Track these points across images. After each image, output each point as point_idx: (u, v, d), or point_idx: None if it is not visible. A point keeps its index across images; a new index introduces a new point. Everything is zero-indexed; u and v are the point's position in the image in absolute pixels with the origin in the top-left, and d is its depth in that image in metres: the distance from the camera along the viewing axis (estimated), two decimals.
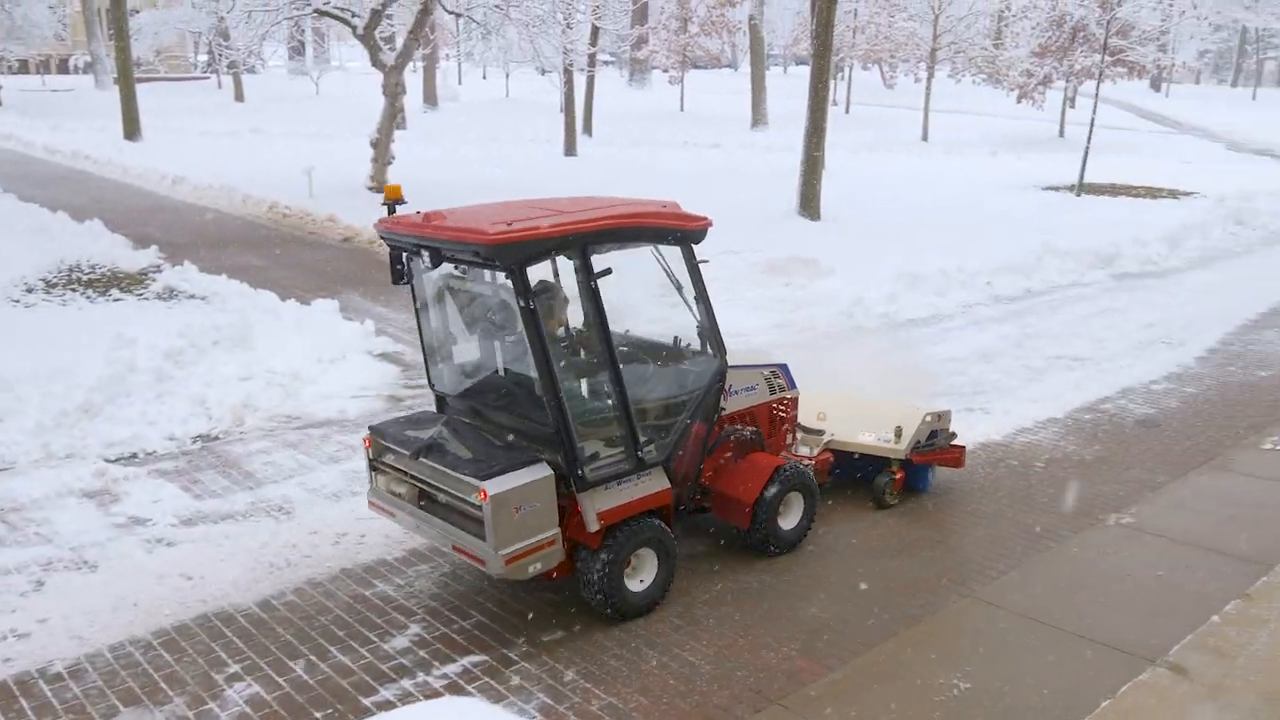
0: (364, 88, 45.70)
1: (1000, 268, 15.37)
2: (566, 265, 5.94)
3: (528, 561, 5.64)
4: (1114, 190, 26.48)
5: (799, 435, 7.64)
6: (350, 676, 5.44)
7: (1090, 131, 26.04)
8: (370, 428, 6.44)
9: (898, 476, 7.67)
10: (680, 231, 6.28)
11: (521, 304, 5.52)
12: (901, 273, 14.26)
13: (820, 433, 7.82)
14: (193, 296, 13.00)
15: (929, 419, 7.73)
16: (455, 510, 5.88)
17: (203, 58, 61.46)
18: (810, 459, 7.52)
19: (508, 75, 56.89)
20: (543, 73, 34.97)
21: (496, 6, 20.65)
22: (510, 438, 6.04)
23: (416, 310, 6.53)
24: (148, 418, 8.86)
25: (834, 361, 11.19)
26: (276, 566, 6.61)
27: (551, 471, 5.72)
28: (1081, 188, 25.52)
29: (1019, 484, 8.11)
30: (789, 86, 48.82)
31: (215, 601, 6.17)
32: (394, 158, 22.45)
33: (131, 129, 31.46)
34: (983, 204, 22.70)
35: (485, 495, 5.45)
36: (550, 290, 6.07)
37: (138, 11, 47.82)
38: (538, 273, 5.77)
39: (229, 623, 5.95)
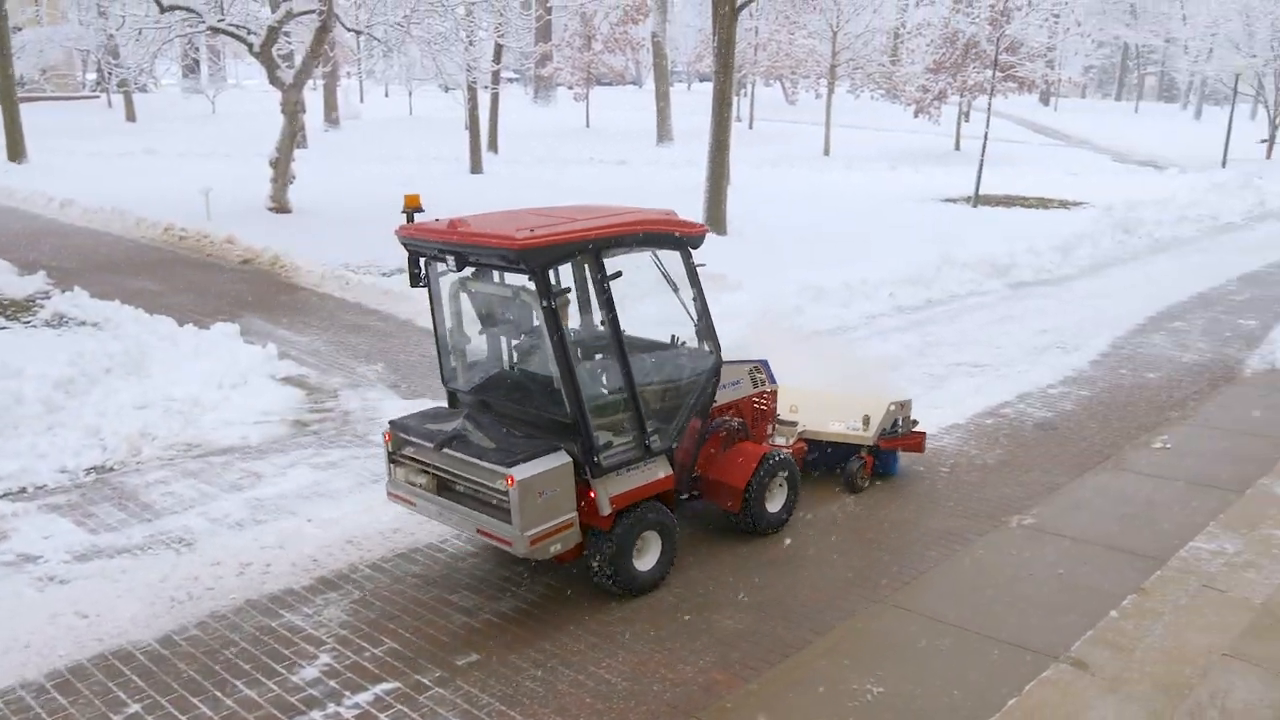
0: (262, 106, 44.70)
1: (902, 279, 15.72)
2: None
3: (550, 542, 6.07)
4: (1008, 201, 27.36)
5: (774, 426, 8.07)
6: (257, 710, 5.28)
7: (984, 145, 26.88)
8: (391, 422, 6.75)
9: (867, 461, 8.26)
10: (681, 237, 6.80)
11: (544, 304, 5.95)
12: (806, 285, 14.48)
13: (794, 424, 8.28)
14: (84, 323, 12.52)
15: (893, 408, 8.37)
16: (478, 497, 6.26)
17: (91, 76, 59.41)
18: (786, 448, 7.93)
19: (410, 93, 56.37)
20: (446, 90, 34.72)
21: (397, 25, 20.47)
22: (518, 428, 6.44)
23: (433, 312, 6.85)
24: (37, 450, 8.49)
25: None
26: (177, 600, 6.38)
27: (570, 459, 6.15)
28: (977, 199, 26.31)
29: (925, 489, 8.28)
30: (693, 102, 49.34)
31: (112, 640, 5.92)
32: (295, 177, 22.02)
33: (16, 150, 30.22)
34: (884, 216, 23.23)
35: (512, 481, 5.86)
36: (561, 293, 6.30)
37: (20, 29, 46.02)
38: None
39: (128, 661, 5.72)
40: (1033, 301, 15.51)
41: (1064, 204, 27.16)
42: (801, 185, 29.37)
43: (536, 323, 6.29)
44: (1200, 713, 4.78)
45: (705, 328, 7.03)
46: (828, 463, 8.45)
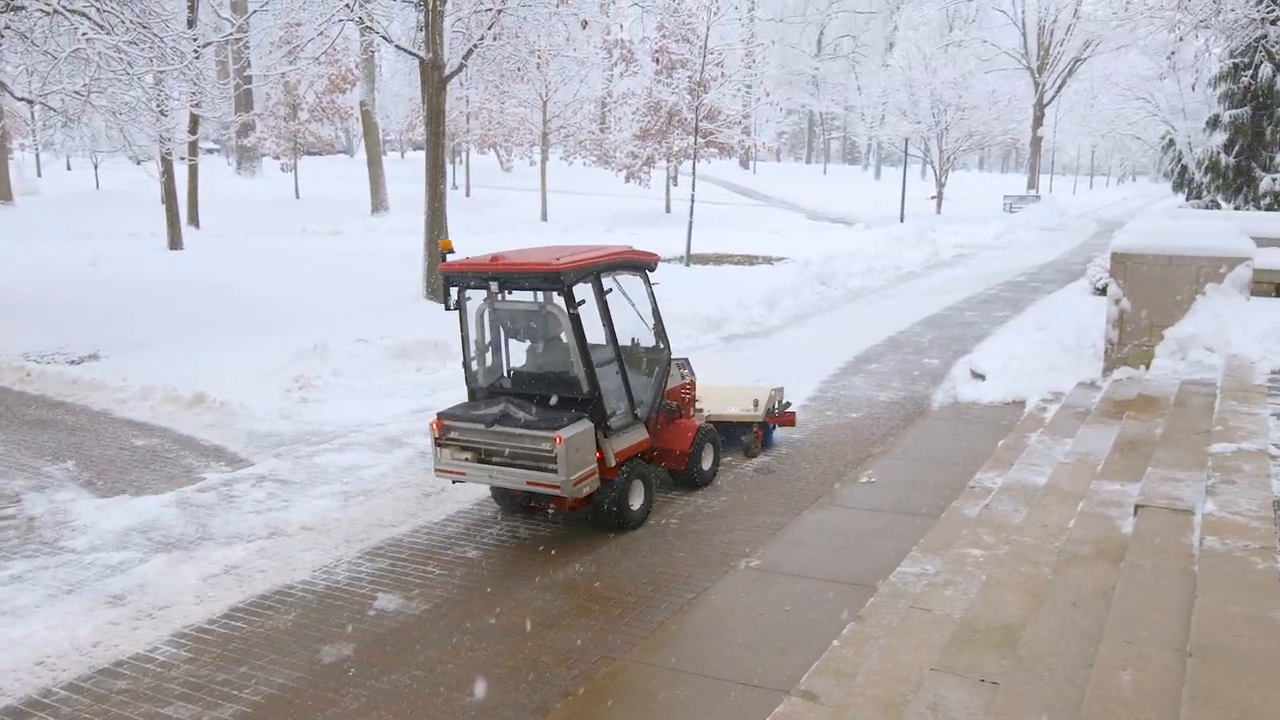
0: None
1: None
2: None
3: (584, 485, 8.13)
4: (718, 259, 28.90)
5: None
6: None
7: (692, 207, 28.28)
8: (439, 414, 8.52)
9: (758, 435, 10.72)
10: (646, 263, 9.33)
11: (571, 312, 8.13)
12: None
13: (700, 410, 10.42)
14: None
15: (774, 393, 10.91)
16: (525, 458, 8.14)
17: None
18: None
19: (96, 165, 52.25)
20: (138, 162, 32.51)
21: (76, 94, 18.96)
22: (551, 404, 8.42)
23: (462, 329, 8.79)
24: None
25: None
26: None
27: (593, 424, 8.24)
28: (689, 258, 27.59)
29: (658, 542, 8.45)
30: (408, 171, 48.89)
31: None
32: None
33: None
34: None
35: (560, 440, 7.85)
36: (581, 303, 8.30)
37: None
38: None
39: None
40: (745, 352, 16.35)
41: (768, 260, 29.01)
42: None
43: (557, 328, 8.53)
44: None
45: (659, 330, 9.55)
46: (726, 440, 10.51)
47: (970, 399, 13.02)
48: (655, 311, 9.55)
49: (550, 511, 8.89)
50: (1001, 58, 61.11)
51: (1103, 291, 15.40)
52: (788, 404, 11.22)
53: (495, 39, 20.35)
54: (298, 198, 44.48)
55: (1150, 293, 11.65)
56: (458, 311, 8.71)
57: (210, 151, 65.24)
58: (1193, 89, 26.78)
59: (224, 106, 32.33)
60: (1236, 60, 22.30)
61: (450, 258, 8.56)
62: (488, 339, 8.94)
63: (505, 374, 9.05)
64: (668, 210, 45.76)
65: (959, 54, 54.13)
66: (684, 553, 8.19)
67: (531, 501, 8.92)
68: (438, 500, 9.49)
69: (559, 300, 8.26)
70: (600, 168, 48.85)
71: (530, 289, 8.60)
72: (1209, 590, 4.63)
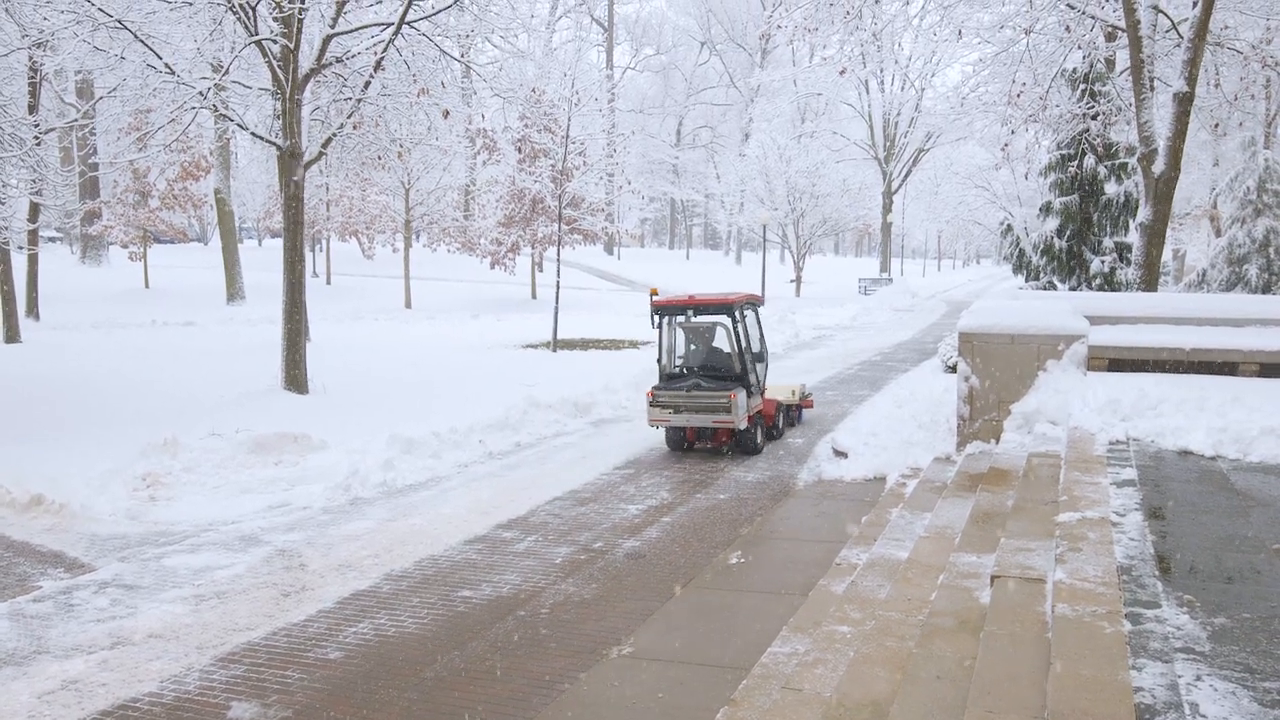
0: None
1: (490, 425, 15.99)
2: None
3: (742, 422, 14.11)
4: (584, 344, 29.02)
5: None
6: None
7: (557, 292, 28.45)
8: (654, 388, 14.59)
9: (796, 412, 16.97)
10: (759, 302, 16.06)
11: (734, 327, 14.53)
12: (396, 438, 14.27)
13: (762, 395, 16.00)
14: None
15: (804, 386, 17.53)
16: (710, 409, 14.11)
17: None
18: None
19: None
20: None
21: None
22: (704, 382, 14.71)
23: (660, 337, 15.31)
24: None
25: (339, 551, 10.88)
26: None
27: (744, 389, 14.29)
28: (556, 344, 27.64)
29: (527, 634, 8.27)
30: (265, 259, 47.89)
31: None
32: None
33: None
34: (469, 365, 23.63)
35: (734, 396, 13.95)
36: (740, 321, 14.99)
37: None
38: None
39: None
40: (613, 436, 16.38)
41: (633, 344, 29.29)
42: (385, 338, 29.24)
43: (721, 337, 14.99)
44: None
45: (761, 339, 15.84)
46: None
47: (834, 476, 13.30)
48: (759, 328, 15.87)
49: (710, 446, 15.00)
50: (851, 148, 64.20)
51: (954, 369, 16.07)
52: (809, 394, 17.69)
53: (355, 128, 20.25)
54: (148, 287, 42.85)
55: (996, 370, 12.21)
56: (658, 329, 15.16)
57: (52, 240, 62.58)
58: (1026, 178, 28.58)
59: (67, 194, 31.05)
60: (1064, 152, 23.93)
61: (655, 298, 15.07)
62: (676, 344, 15.22)
63: (676, 364, 15.17)
64: (533, 296, 45.93)
65: (811, 144, 56.65)
66: (555, 643, 8.03)
67: (697, 441, 15.14)
68: (297, 600, 9.09)
69: (727, 320, 14.62)
70: (465, 254, 48.77)
71: (710, 313, 14.92)
72: (1062, 656, 4.78)
